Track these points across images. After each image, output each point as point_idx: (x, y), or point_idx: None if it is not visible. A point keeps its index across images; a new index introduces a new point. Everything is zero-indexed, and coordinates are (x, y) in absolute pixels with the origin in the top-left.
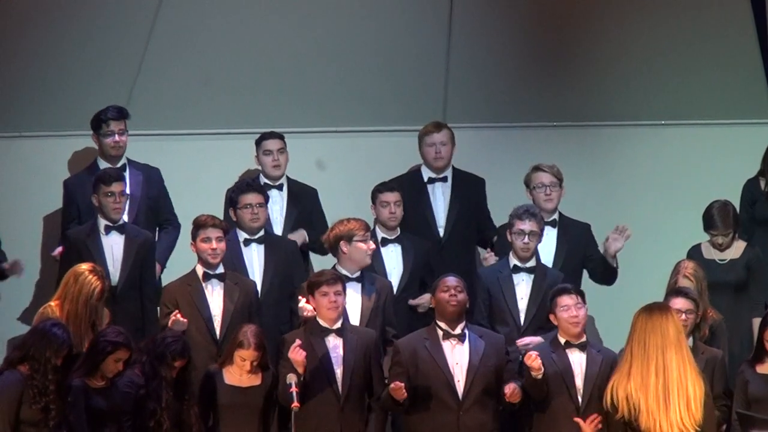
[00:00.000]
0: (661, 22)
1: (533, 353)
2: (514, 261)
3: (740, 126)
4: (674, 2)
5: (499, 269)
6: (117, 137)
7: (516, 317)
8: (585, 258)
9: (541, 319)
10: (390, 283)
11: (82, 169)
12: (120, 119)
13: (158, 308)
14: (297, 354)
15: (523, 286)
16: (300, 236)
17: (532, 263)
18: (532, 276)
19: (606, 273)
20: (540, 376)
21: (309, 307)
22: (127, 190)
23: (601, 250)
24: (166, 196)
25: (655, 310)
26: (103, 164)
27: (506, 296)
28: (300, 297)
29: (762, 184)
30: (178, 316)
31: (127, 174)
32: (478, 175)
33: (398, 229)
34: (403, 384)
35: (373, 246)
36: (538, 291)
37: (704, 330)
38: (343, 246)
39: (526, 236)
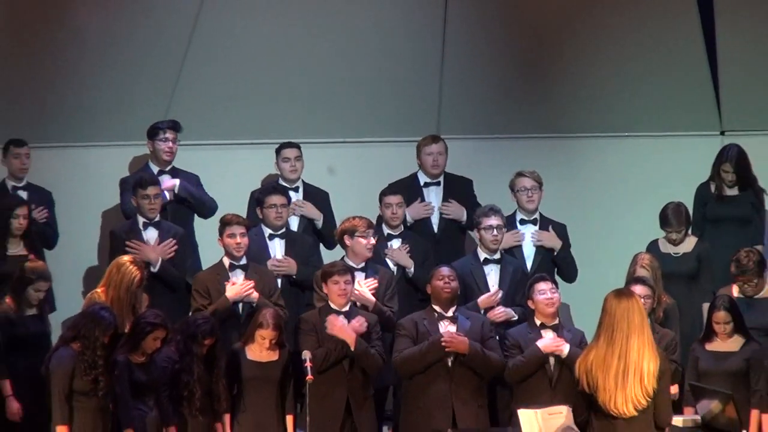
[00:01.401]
0: (623, 50)
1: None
2: (483, 254)
3: (692, 137)
4: (633, 32)
5: (471, 262)
6: (171, 144)
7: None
8: (556, 255)
9: (511, 302)
10: (391, 272)
11: (136, 171)
12: (174, 129)
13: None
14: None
15: (492, 275)
16: (315, 214)
17: (498, 255)
18: (499, 266)
19: (568, 271)
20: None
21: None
22: (166, 195)
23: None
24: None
25: (623, 296)
26: (155, 168)
27: (479, 285)
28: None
29: (712, 187)
30: (243, 286)
31: (168, 177)
32: (466, 177)
33: (401, 226)
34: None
35: (373, 241)
36: (506, 278)
37: (659, 313)
38: (347, 240)
39: (494, 230)
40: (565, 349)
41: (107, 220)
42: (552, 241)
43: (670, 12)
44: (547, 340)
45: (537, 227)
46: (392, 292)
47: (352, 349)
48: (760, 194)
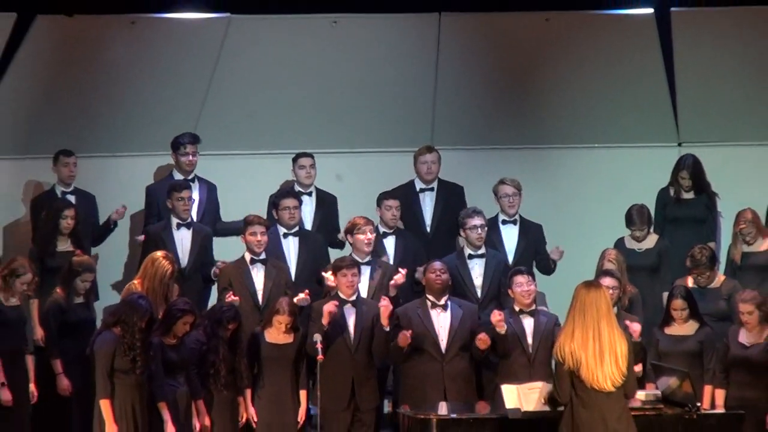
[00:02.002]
0: (592, 73)
1: (498, 312)
2: (468, 251)
3: (653, 148)
4: (600, 57)
5: (456, 258)
6: (191, 157)
7: (474, 293)
8: (535, 251)
9: (493, 293)
10: (391, 265)
11: (161, 179)
12: (194, 143)
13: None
14: (330, 306)
15: (477, 269)
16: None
17: (482, 251)
18: (483, 260)
19: (546, 267)
20: (503, 332)
21: (331, 277)
22: (194, 197)
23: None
24: (215, 203)
25: (592, 287)
26: (178, 176)
27: (464, 278)
28: (324, 272)
29: (671, 191)
30: (231, 296)
31: (196, 185)
32: (457, 183)
33: (395, 227)
34: (410, 331)
35: (370, 237)
36: (489, 271)
37: (624, 301)
38: (349, 237)
39: (479, 229)
40: (502, 331)
41: (135, 221)
42: (560, 254)
43: (632, 39)
44: (496, 316)
45: (517, 227)
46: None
47: (386, 329)
48: (712, 198)
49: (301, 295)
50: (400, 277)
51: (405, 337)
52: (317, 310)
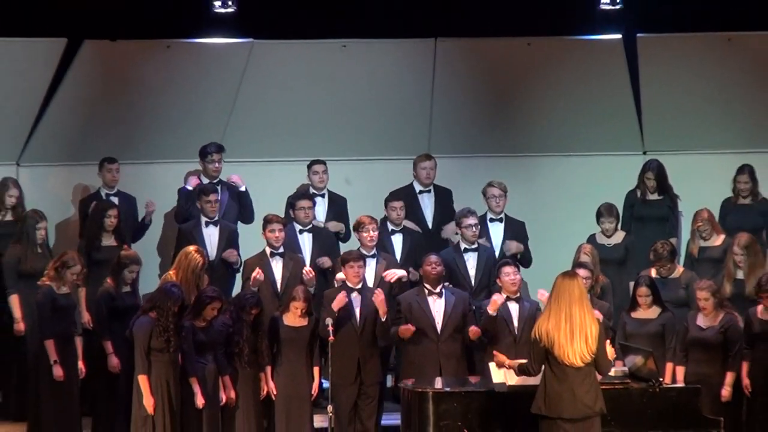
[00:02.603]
0: (567, 90)
1: (498, 295)
2: (463, 245)
3: (621, 156)
4: (574, 76)
5: (453, 252)
6: (217, 164)
7: (468, 282)
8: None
9: (485, 282)
10: (395, 258)
11: (191, 184)
12: (219, 152)
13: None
14: (341, 297)
15: (471, 262)
16: (336, 226)
17: (474, 246)
18: (476, 254)
19: (524, 260)
20: (495, 314)
21: (342, 276)
22: (220, 197)
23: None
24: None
25: (567, 276)
26: (205, 181)
27: (460, 269)
28: (337, 275)
29: (638, 193)
30: (259, 274)
31: (220, 188)
32: (448, 188)
33: (402, 224)
34: (414, 328)
35: (372, 234)
36: (480, 263)
37: (597, 289)
38: (356, 234)
39: (473, 227)
40: (493, 312)
41: (169, 220)
42: (517, 248)
43: (603, 61)
44: (496, 297)
45: (503, 224)
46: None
47: (383, 319)
48: (674, 199)
49: (307, 268)
50: (404, 275)
51: (408, 330)
52: (329, 298)
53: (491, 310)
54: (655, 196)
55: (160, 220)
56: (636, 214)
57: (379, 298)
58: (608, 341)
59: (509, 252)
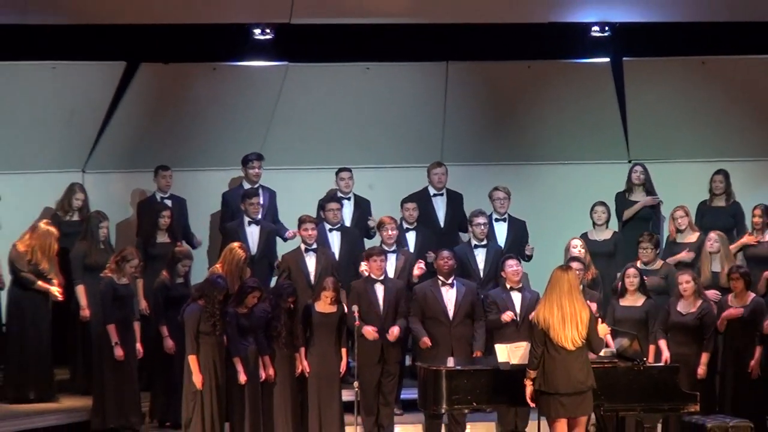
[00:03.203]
0: (562, 106)
1: (508, 316)
2: (474, 242)
3: (608, 164)
4: (569, 93)
5: (465, 248)
6: (257, 170)
7: (478, 274)
8: (519, 242)
9: (492, 274)
10: (411, 253)
11: (234, 188)
12: (259, 160)
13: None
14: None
15: (480, 257)
16: (374, 222)
17: (484, 242)
18: (485, 250)
19: (525, 258)
20: (507, 320)
21: (364, 266)
22: (261, 201)
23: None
24: (274, 207)
25: (562, 269)
26: (247, 186)
27: (471, 263)
28: (361, 264)
29: (627, 195)
30: (292, 233)
31: (260, 192)
32: (459, 192)
33: (414, 223)
34: (429, 344)
35: (390, 233)
36: (489, 258)
37: (588, 278)
38: (378, 232)
39: (482, 226)
40: (507, 318)
41: (214, 220)
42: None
43: (593, 82)
44: (505, 316)
45: (507, 224)
46: (410, 268)
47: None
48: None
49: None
50: (419, 271)
51: (425, 343)
52: (356, 289)
53: (504, 319)
54: (640, 197)
55: (208, 220)
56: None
57: (393, 334)
58: (601, 321)
59: (528, 253)
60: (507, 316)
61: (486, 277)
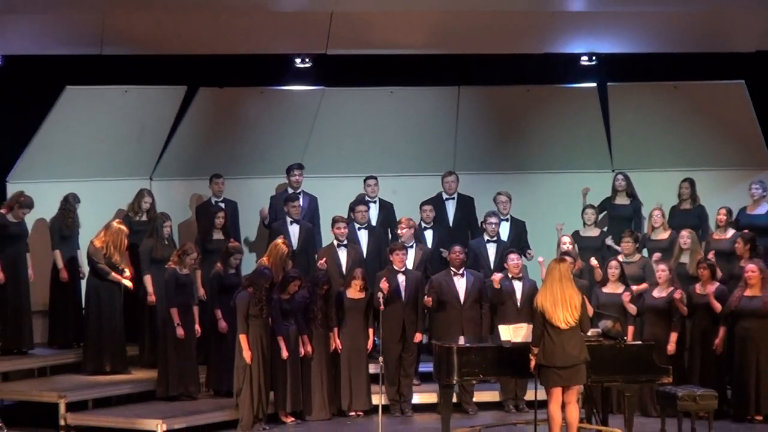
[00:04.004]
0: (556, 123)
1: (497, 276)
2: (486, 237)
3: (594, 173)
4: (561, 113)
5: (478, 242)
6: (298, 178)
7: (488, 265)
8: (519, 239)
9: (500, 266)
10: (428, 248)
11: (279, 193)
12: (300, 169)
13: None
14: (384, 283)
15: (491, 250)
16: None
17: (495, 238)
18: (495, 245)
19: (522, 251)
20: (498, 287)
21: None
22: (301, 204)
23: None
24: (317, 209)
25: (556, 261)
26: (290, 191)
27: (484, 256)
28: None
29: (611, 200)
30: (323, 263)
31: (301, 197)
32: (470, 196)
33: (431, 223)
34: (430, 299)
35: (405, 231)
36: (498, 251)
37: (577, 270)
38: (399, 231)
39: (494, 225)
40: (497, 286)
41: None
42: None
43: (583, 103)
44: (496, 276)
45: (509, 223)
46: (426, 261)
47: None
48: (638, 204)
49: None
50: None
51: (428, 302)
52: (380, 278)
53: (495, 284)
54: (624, 201)
55: (256, 220)
56: (610, 214)
57: (417, 338)
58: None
59: (529, 257)
60: (496, 276)
61: (496, 267)
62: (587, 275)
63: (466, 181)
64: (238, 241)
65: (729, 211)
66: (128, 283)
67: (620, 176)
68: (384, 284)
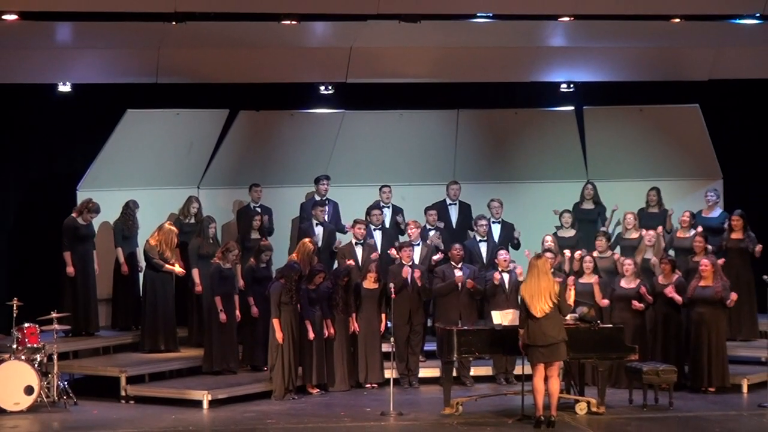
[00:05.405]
0: (539, 141)
1: (498, 275)
2: (478, 237)
3: (569, 183)
4: (543, 132)
5: (473, 242)
6: (325, 186)
7: (482, 261)
8: (509, 238)
9: (491, 261)
10: (432, 245)
11: (308, 200)
12: (327, 180)
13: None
14: (405, 272)
15: (484, 248)
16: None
17: (486, 238)
18: (486, 243)
19: (514, 247)
20: (498, 283)
21: (396, 253)
22: (326, 209)
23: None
24: (338, 213)
25: (535, 257)
26: (317, 198)
27: (477, 253)
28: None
29: (579, 205)
30: (350, 261)
31: (327, 203)
32: (468, 203)
33: (435, 225)
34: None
35: (411, 230)
36: (489, 249)
37: (557, 264)
38: (408, 230)
39: (483, 226)
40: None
41: (295, 224)
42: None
43: (561, 123)
44: (497, 275)
45: (500, 225)
46: (431, 256)
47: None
48: (602, 207)
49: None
50: (438, 256)
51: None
52: (393, 271)
53: (495, 281)
54: (590, 206)
55: (289, 223)
56: (578, 217)
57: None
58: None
59: (516, 236)
60: (497, 274)
61: (488, 262)
62: (564, 269)
63: (464, 190)
64: (341, 232)
65: (693, 215)
66: (180, 269)
67: (589, 185)
68: (406, 272)
